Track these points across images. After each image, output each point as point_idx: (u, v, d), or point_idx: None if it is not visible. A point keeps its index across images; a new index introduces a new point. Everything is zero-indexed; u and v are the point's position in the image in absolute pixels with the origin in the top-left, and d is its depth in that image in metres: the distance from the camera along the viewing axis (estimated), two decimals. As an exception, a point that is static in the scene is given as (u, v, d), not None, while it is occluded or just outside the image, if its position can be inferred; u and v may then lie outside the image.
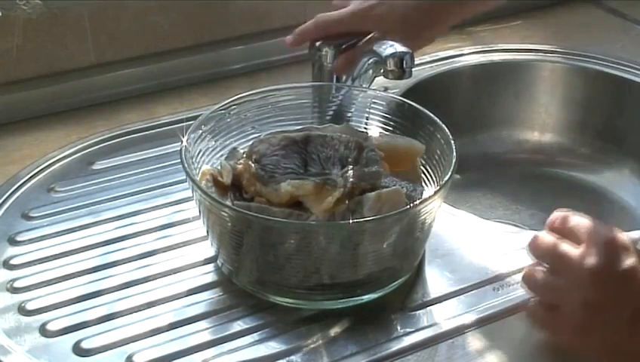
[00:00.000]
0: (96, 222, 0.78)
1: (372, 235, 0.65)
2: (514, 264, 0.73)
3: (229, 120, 0.75)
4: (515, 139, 1.08)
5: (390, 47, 0.67)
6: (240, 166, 0.71)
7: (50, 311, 0.68)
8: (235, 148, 0.75)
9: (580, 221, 0.64)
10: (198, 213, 0.70)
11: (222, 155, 0.75)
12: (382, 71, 0.68)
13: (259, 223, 0.64)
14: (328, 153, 0.71)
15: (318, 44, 0.84)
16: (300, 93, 0.79)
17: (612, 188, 1.02)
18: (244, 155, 0.73)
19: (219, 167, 0.72)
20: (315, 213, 0.65)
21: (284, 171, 0.69)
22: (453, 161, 0.68)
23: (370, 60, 0.77)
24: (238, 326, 0.66)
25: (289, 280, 0.66)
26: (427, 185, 0.73)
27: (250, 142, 0.74)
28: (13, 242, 0.75)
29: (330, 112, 0.80)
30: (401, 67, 0.66)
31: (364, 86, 0.82)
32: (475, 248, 0.75)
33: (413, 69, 0.68)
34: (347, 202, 0.66)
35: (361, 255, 0.65)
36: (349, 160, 0.70)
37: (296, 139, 0.72)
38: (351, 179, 0.67)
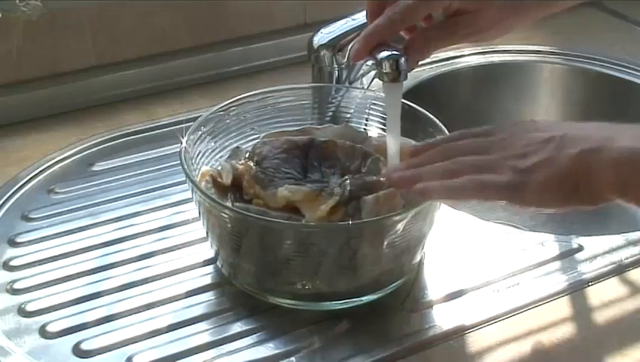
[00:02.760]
0: (96, 223, 0.78)
1: (371, 237, 0.64)
2: (513, 265, 0.73)
3: (228, 121, 0.75)
4: (515, 140, 1.08)
5: (385, 50, 0.67)
6: (241, 166, 0.71)
7: (50, 312, 0.68)
8: (238, 147, 0.75)
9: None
10: (197, 215, 0.70)
11: (221, 156, 0.75)
12: (377, 73, 0.68)
13: (257, 225, 0.64)
14: (329, 161, 0.71)
15: (317, 46, 0.84)
16: (300, 95, 0.79)
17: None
18: (247, 156, 0.73)
19: (219, 168, 0.72)
20: (309, 220, 0.65)
21: (283, 176, 0.69)
22: (453, 162, 0.68)
23: (368, 62, 0.77)
24: (237, 327, 0.66)
25: (287, 286, 0.66)
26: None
27: (249, 143, 0.74)
28: (13, 243, 0.75)
29: (330, 113, 0.80)
30: (396, 69, 0.66)
31: (363, 87, 0.82)
32: (475, 249, 0.75)
33: (408, 72, 0.68)
34: (345, 209, 0.66)
35: (360, 257, 0.65)
36: (351, 168, 0.70)
37: (299, 143, 0.72)
38: (349, 188, 0.67)
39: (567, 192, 0.57)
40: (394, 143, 0.68)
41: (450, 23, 0.69)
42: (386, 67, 0.66)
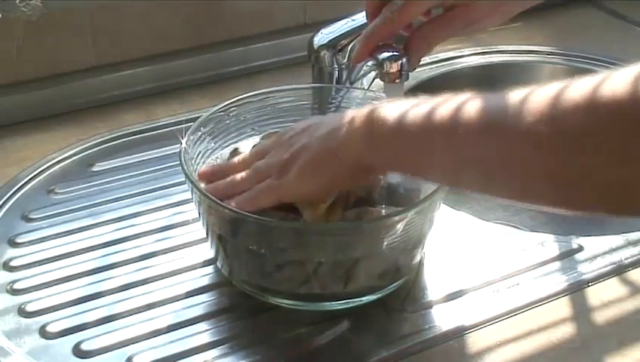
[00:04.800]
0: (96, 223, 0.78)
1: (370, 238, 0.64)
2: (513, 265, 0.73)
3: (228, 121, 0.75)
4: (514, 140, 1.08)
5: (386, 51, 0.67)
6: None
7: (50, 312, 0.68)
8: (236, 149, 0.75)
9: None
10: (197, 215, 0.70)
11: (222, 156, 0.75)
12: (377, 73, 0.68)
13: (254, 225, 0.64)
14: None
15: (317, 46, 0.84)
16: (300, 95, 0.79)
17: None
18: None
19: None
20: (307, 219, 0.65)
21: None
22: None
23: (368, 63, 0.77)
24: (237, 327, 0.66)
25: (285, 287, 0.66)
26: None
27: (249, 143, 0.74)
28: (13, 244, 0.75)
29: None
30: (397, 70, 0.66)
31: (363, 87, 0.82)
32: (475, 250, 0.75)
33: (411, 72, 0.68)
34: (344, 212, 0.66)
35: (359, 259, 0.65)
36: None
37: None
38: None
39: (325, 170, 0.61)
40: None
41: (447, 17, 0.70)
42: (387, 68, 0.66)
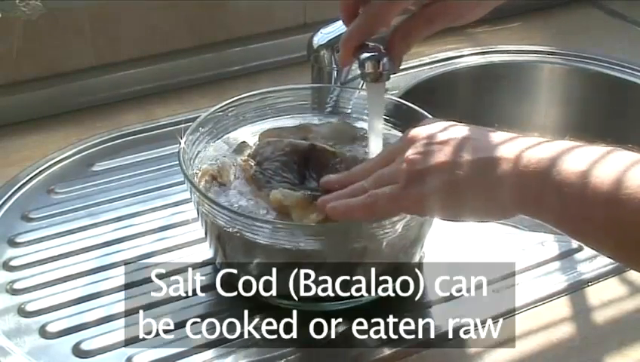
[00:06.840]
0: (96, 223, 0.78)
1: (369, 237, 0.64)
2: (513, 265, 0.73)
3: (227, 121, 0.75)
4: (514, 140, 1.08)
5: (366, 52, 0.66)
6: (243, 163, 0.71)
7: (49, 312, 0.68)
8: (244, 142, 0.75)
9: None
10: (196, 215, 0.70)
11: (223, 156, 0.74)
12: (359, 73, 0.68)
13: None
14: (327, 171, 0.70)
15: (317, 46, 0.84)
16: (299, 95, 0.79)
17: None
18: (250, 153, 0.72)
19: (218, 165, 0.72)
20: None
21: (281, 179, 0.69)
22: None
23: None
24: (237, 327, 0.66)
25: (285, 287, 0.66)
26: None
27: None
28: (13, 243, 0.75)
29: (330, 113, 0.80)
30: (378, 69, 0.66)
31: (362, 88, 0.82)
32: (474, 249, 0.75)
33: (392, 74, 0.67)
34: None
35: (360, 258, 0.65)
36: None
37: (300, 148, 0.71)
38: None
39: (464, 200, 0.56)
40: (376, 143, 0.69)
41: (426, 13, 0.67)
42: (368, 68, 0.66)
